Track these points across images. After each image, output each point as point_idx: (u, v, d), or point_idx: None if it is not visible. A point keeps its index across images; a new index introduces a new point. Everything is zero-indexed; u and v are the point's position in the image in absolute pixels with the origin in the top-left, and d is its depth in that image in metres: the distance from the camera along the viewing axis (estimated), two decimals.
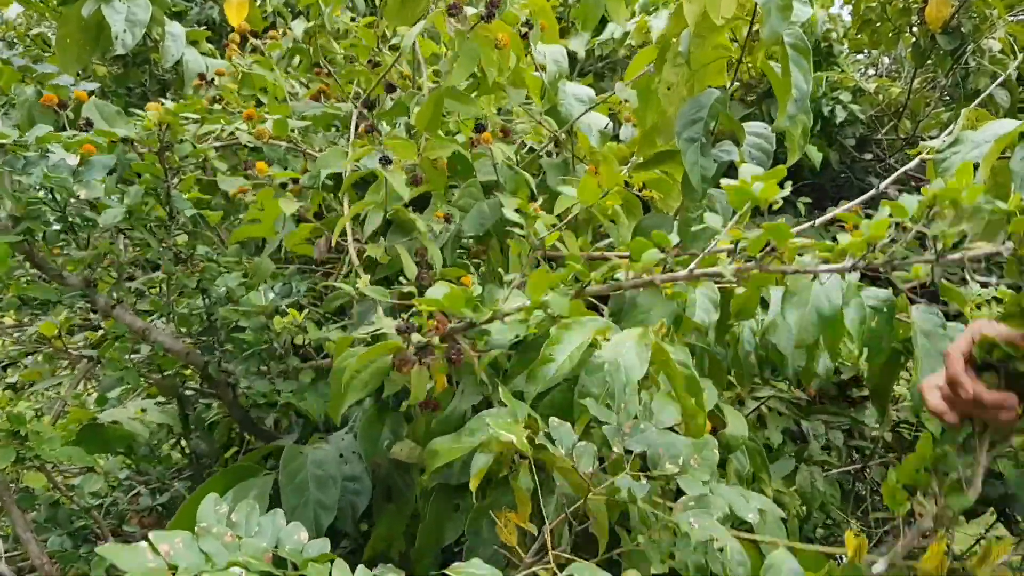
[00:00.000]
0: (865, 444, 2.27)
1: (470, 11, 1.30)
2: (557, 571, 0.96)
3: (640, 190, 1.65)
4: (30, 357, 2.24)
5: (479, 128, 1.39)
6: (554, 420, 1.02)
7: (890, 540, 2.47)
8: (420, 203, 1.46)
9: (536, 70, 1.55)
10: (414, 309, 1.18)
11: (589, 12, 1.54)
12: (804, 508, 2.04)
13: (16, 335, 2.24)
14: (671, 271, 1.24)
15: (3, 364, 2.46)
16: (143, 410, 1.81)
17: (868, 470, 2.30)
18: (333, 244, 1.33)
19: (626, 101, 1.52)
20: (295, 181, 1.50)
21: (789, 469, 2.07)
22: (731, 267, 1.17)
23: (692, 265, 1.20)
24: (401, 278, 1.34)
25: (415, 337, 1.15)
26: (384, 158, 1.25)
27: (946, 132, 1.42)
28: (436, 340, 1.16)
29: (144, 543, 0.86)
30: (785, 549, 0.99)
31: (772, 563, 0.98)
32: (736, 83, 1.38)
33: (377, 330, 1.20)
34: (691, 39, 1.31)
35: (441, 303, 1.13)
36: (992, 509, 2.44)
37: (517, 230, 1.24)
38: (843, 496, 2.31)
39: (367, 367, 1.20)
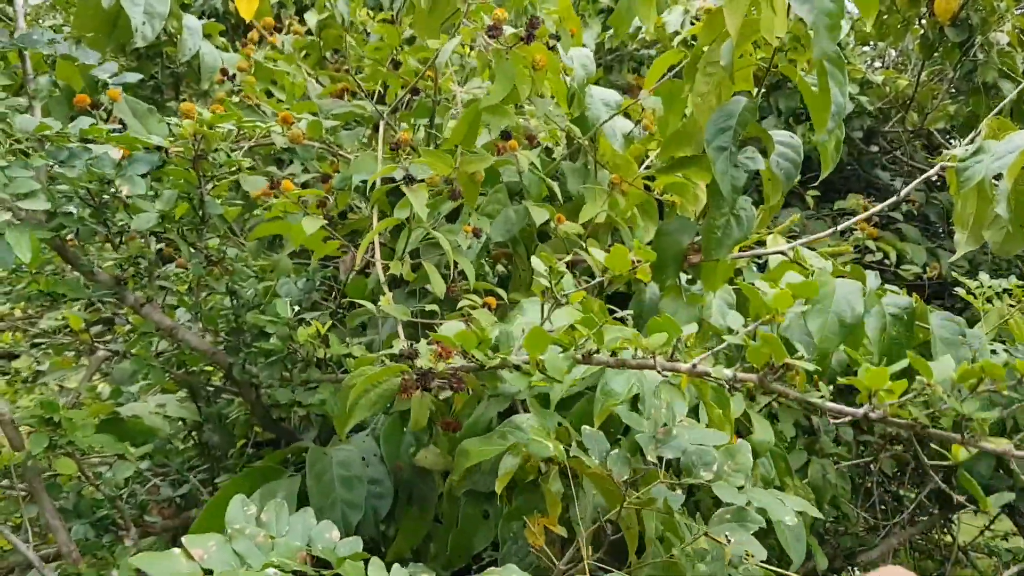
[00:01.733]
0: (874, 439, 2.29)
1: (508, 31, 1.30)
2: None
3: (661, 194, 1.66)
4: (34, 348, 2.24)
5: (505, 136, 1.39)
6: (586, 428, 1.03)
7: (896, 532, 2.49)
8: (452, 212, 1.47)
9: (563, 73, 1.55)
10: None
11: (623, 18, 1.54)
12: (815, 501, 2.06)
13: (25, 327, 2.24)
14: None
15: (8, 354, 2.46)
16: (163, 404, 1.82)
17: (877, 462, 2.32)
18: (358, 263, 1.33)
19: (652, 110, 1.52)
20: (326, 179, 1.51)
21: (801, 462, 2.09)
22: None
23: None
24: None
25: (419, 362, 1.13)
26: (408, 177, 1.25)
27: (967, 140, 1.43)
28: (440, 366, 1.13)
29: (176, 549, 0.86)
30: None
31: None
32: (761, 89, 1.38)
33: (394, 351, 1.20)
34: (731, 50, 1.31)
35: (453, 341, 1.12)
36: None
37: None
38: (852, 489, 2.33)
39: (375, 388, 1.20)
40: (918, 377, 0.93)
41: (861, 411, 0.98)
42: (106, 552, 1.57)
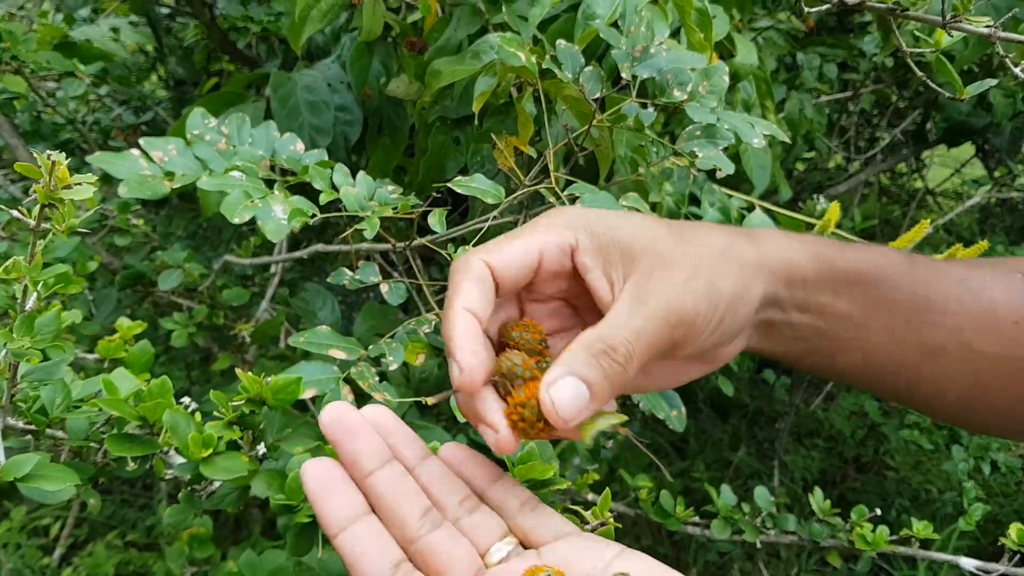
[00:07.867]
0: (858, 77, 2.24)
1: None
2: (559, 191, 0.98)
3: None
4: None
5: None
6: (561, 42, 0.97)
7: (867, 170, 2.54)
8: None
9: None
10: None
11: None
12: (789, 135, 2.05)
13: None
14: None
15: None
16: (116, 29, 1.72)
17: (858, 99, 2.30)
18: None
19: None
20: None
21: (780, 97, 2.06)
22: None
23: None
24: None
25: None
26: None
27: None
28: None
29: (135, 150, 0.83)
30: (761, 211, 1.03)
31: (751, 221, 1.02)
32: None
33: None
34: None
35: None
36: (970, 142, 2.49)
37: None
38: (828, 127, 2.32)
39: None
40: None
41: None
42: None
